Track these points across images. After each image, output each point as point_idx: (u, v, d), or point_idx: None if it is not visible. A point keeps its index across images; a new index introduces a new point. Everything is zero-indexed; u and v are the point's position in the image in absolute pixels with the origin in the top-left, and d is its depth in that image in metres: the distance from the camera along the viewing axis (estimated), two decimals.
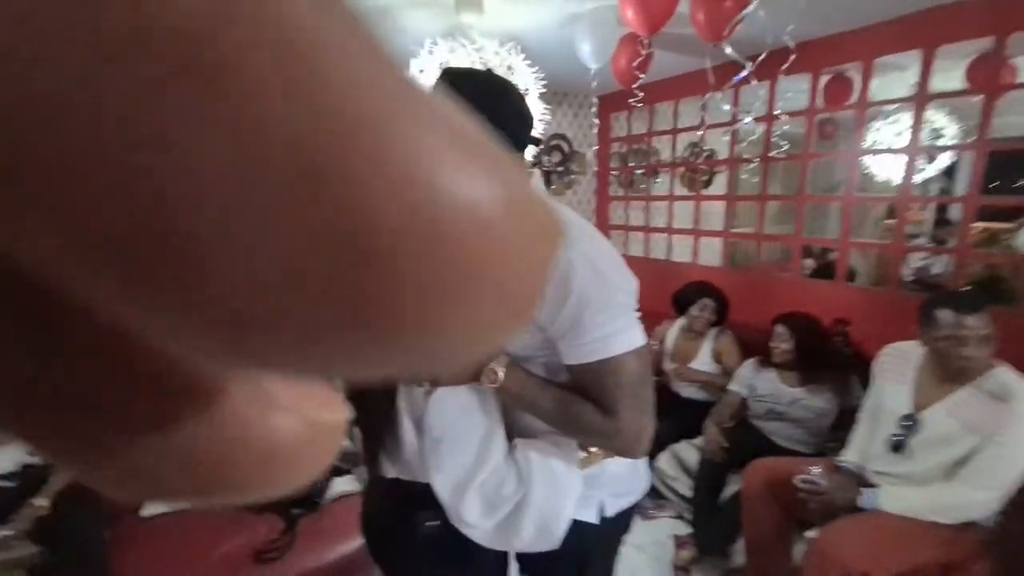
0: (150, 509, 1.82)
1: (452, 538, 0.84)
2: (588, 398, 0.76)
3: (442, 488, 0.79)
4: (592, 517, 0.88)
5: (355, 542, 1.73)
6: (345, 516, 1.65)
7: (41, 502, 1.59)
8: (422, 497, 0.84)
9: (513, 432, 0.84)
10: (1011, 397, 1.36)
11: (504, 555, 0.94)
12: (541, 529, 0.80)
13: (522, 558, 0.94)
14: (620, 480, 0.91)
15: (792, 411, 2.07)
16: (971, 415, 1.40)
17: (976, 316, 1.38)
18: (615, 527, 0.94)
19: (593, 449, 0.83)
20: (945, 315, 1.42)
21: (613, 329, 0.73)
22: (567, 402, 0.78)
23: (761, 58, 1.59)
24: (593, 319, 0.72)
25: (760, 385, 2.16)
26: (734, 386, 2.24)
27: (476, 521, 0.79)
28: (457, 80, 0.80)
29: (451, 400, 0.79)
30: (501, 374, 0.76)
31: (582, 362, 0.74)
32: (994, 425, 1.36)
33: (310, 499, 1.84)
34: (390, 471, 0.88)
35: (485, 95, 0.79)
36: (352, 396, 0.83)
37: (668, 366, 2.56)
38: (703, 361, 2.43)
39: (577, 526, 0.83)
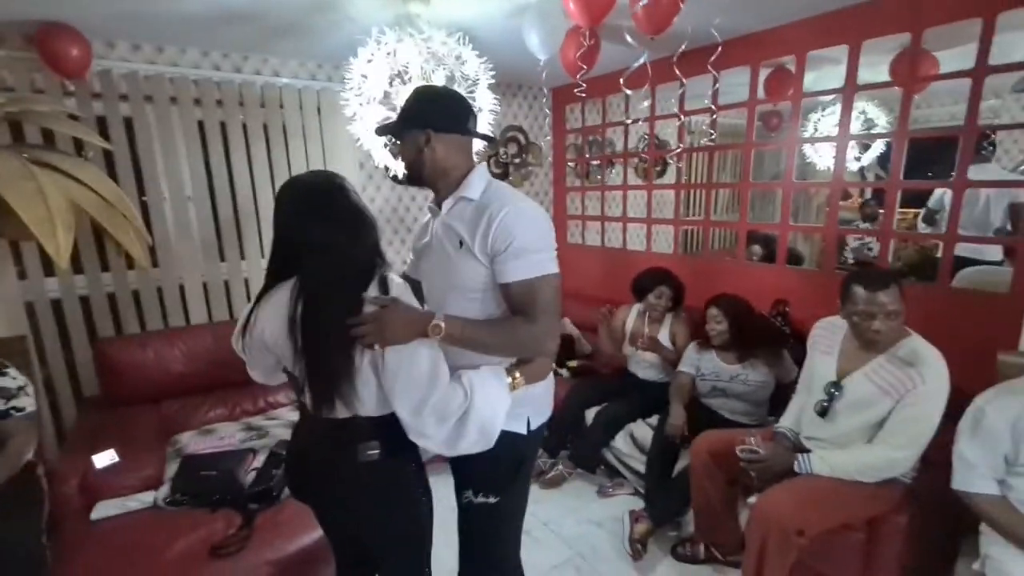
0: (100, 512, 1.77)
1: (385, 464, 1.07)
2: (515, 311, 1.07)
3: (404, 410, 0.99)
4: (522, 429, 1.18)
5: (315, 534, 1.72)
6: (304, 509, 1.65)
7: None
8: (365, 431, 1.05)
9: (455, 363, 1.06)
10: (920, 362, 1.49)
11: (425, 480, 1.17)
12: (482, 432, 1.04)
13: (468, 468, 1.20)
14: (539, 400, 1.21)
15: (732, 387, 2.21)
16: (885, 380, 1.52)
17: (885, 292, 1.50)
18: (537, 436, 1.24)
19: (517, 375, 1.10)
20: (858, 291, 1.53)
21: (539, 259, 1.06)
22: (499, 322, 1.11)
23: (681, 50, 1.67)
24: (527, 249, 1.05)
25: (704, 365, 2.29)
26: (683, 367, 2.36)
27: (432, 432, 1.01)
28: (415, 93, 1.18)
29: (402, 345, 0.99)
30: (443, 325, 0.99)
31: (518, 279, 1.05)
32: (904, 389, 1.49)
33: (268, 492, 1.83)
34: (341, 412, 1.03)
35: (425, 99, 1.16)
36: (316, 354, 0.99)
37: (627, 349, 2.64)
38: (663, 341, 2.54)
39: (512, 436, 1.14)
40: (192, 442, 2.15)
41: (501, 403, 1.06)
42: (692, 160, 4.45)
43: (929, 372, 1.47)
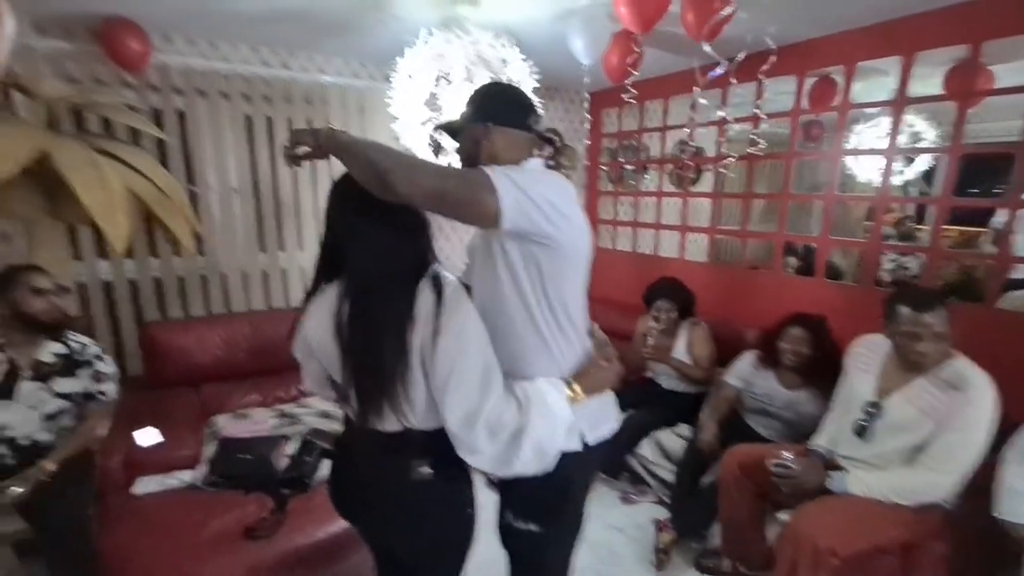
0: (141, 487, 1.85)
1: (440, 483, 0.98)
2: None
3: (454, 422, 0.90)
4: (576, 445, 1.03)
5: (345, 523, 1.76)
6: None
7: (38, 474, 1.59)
8: (418, 446, 0.97)
9: (509, 374, 0.96)
10: (966, 386, 1.44)
11: (474, 497, 1.06)
12: (538, 452, 0.92)
13: (508, 486, 1.09)
14: (595, 412, 1.08)
15: (784, 413, 2.08)
16: (928, 402, 1.48)
17: (932, 313, 1.45)
18: (594, 455, 1.09)
19: (576, 388, 0.99)
20: (904, 311, 1.49)
21: (509, 184, 0.91)
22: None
23: (740, 59, 1.65)
24: (513, 180, 0.92)
25: (757, 383, 2.16)
26: (731, 379, 2.25)
27: (484, 447, 0.90)
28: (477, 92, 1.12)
29: (453, 346, 0.90)
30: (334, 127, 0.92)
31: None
32: (949, 412, 1.44)
33: (300, 479, 1.88)
34: (390, 423, 0.95)
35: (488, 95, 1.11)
36: (365, 353, 0.92)
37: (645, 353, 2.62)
38: (679, 352, 2.50)
39: (561, 454, 0.97)
40: (228, 425, 2.23)
41: (560, 419, 0.95)
42: (724, 168, 4.37)
43: (976, 396, 1.43)
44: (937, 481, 1.47)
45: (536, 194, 0.93)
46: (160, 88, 2.40)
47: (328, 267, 1.01)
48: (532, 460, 0.93)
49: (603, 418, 1.11)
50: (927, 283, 2.17)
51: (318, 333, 0.99)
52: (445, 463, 0.97)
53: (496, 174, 0.91)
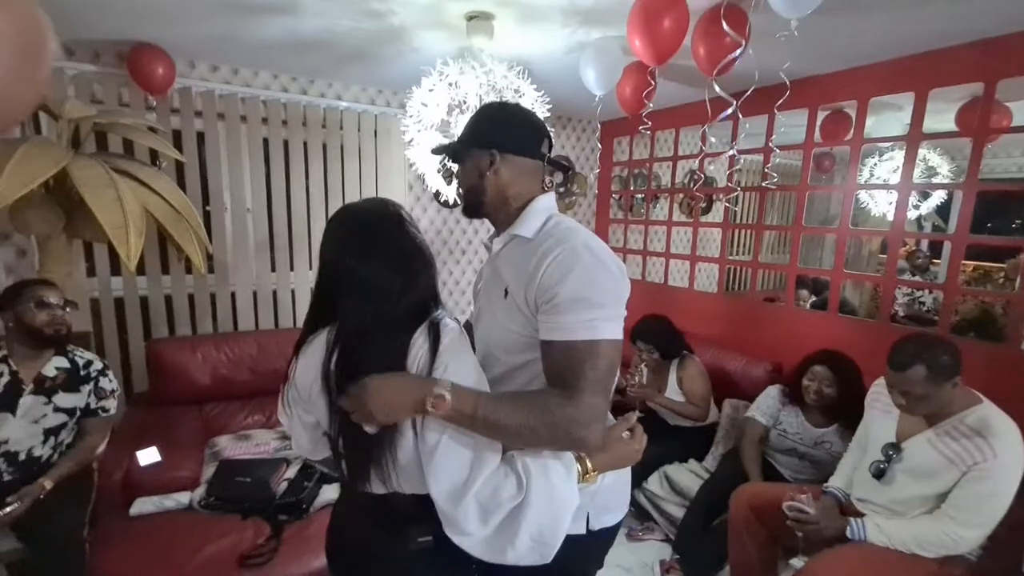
0: (138, 508, 1.82)
1: (443, 554, 0.83)
2: (552, 382, 0.82)
3: (439, 494, 0.78)
4: (579, 528, 0.89)
5: None
6: None
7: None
8: (412, 512, 0.84)
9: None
10: (991, 433, 1.38)
11: (490, 571, 0.88)
12: (537, 541, 0.78)
13: (498, 571, 0.86)
14: (608, 492, 0.93)
15: (815, 453, 1.98)
16: (951, 448, 1.42)
17: (903, 374, 1.41)
18: (599, 541, 0.94)
19: (589, 464, 0.84)
20: (889, 362, 1.46)
21: (602, 316, 0.80)
22: (528, 396, 0.83)
23: (747, 94, 1.65)
24: (581, 301, 0.79)
25: (786, 421, 2.06)
26: (758, 416, 2.12)
27: (474, 528, 0.77)
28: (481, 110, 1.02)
29: None
30: (448, 397, 0.75)
31: (567, 339, 0.80)
32: (972, 460, 1.38)
33: (298, 505, 1.84)
34: (378, 488, 0.85)
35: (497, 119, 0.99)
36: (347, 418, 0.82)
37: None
38: (672, 390, 2.42)
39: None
40: (229, 446, 2.20)
41: (566, 501, 0.80)
42: (740, 199, 4.39)
43: (1002, 444, 1.36)
44: (962, 534, 1.39)
45: (619, 291, 0.85)
46: (182, 110, 2.46)
47: (321, 311, 0.90)
48: (530, 549, 0.78)
49: (614, 502, 0.97)
50: (943, 319, 2.11)
51: (306, 381, 0.89)
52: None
53: (608, 319, 0.81)
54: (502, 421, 0.77)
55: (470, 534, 0.78)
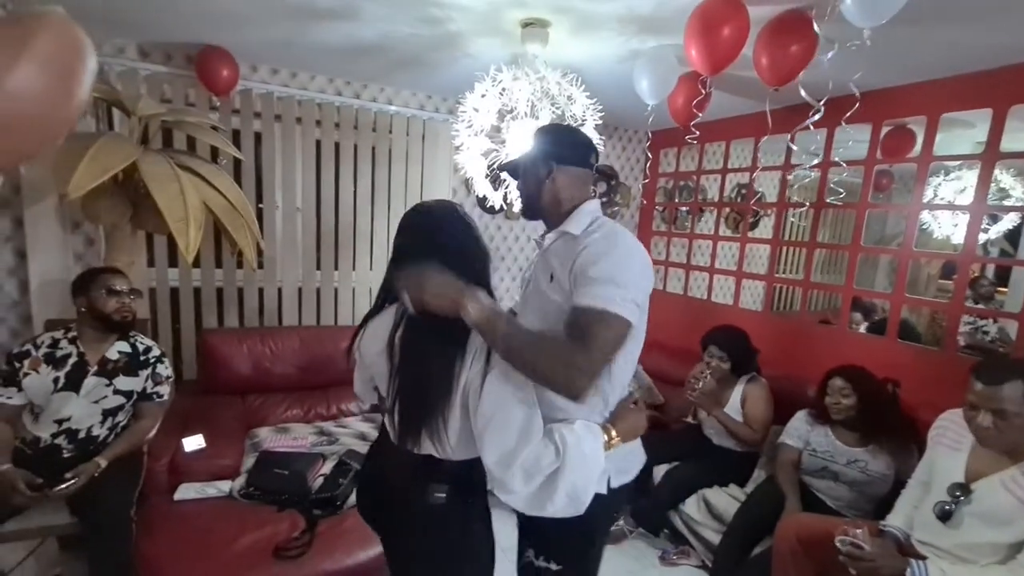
0: (182, 494, 1.87)
1: (453, 513, 1.01)
2: (568, 335, 0.95)
3: (490, 459, 0.93)
4: (602, 488, 1.05)
5: (372, 551, 1.72)
6: (366, 525, 1.66)
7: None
8: (439, 471, 1.01)
9: (548, 417, 0.98)
10: None
11: (491, 533, 1.09)
12: (571, 498, 0.94)
13: (533, 525, 1.08)
14: (625, 456, 1.10)
15: (848, 471, 1.92)
16: None
17: (998, 388, 1.29)
18: (617, 497, 1.11)
19: (614, 434, 1.02)
20: (974, 382, 1.35)
21: (620, 295, 0.94)
22: (543, 332, 0.99)
23: (822, 103, 1.59)
24: (605, 279, 0.95)
25: (815, 440, 2.02)
26: (789, 440, 2.08)
27: (519, 487, 0.92)
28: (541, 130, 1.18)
29: (500, 390, 0.93)
30: (484, 302, 0.91)
31: (588, 304, 0.94)
32: None
33: (332, 500, 1.86)
34: (426, 448, 1.00)
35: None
36: (411, 381, 0.99)
37: (700, 413, 2.47)
38: (733, 407, 2.33)
39: None
40: (268, 438, 2.25)
41: (595, 465, 0.97)
42: (790, 214, 4.23)
43: None
44: None
45: (641, 281, 0.99)
46: (242, 111, 2.56)
47: (388, 291, 1.08)
48: (565, 505, 0.94)
49: (631, 463, 1.15)
50: (1019, 351, 1.96)
51: (372, 349, 1.06)
52: (462, 493, 1.01)
53: (623, 299, 0.94)
54: (515, 343, 0.90)
55: (516, 492, 0.93)
